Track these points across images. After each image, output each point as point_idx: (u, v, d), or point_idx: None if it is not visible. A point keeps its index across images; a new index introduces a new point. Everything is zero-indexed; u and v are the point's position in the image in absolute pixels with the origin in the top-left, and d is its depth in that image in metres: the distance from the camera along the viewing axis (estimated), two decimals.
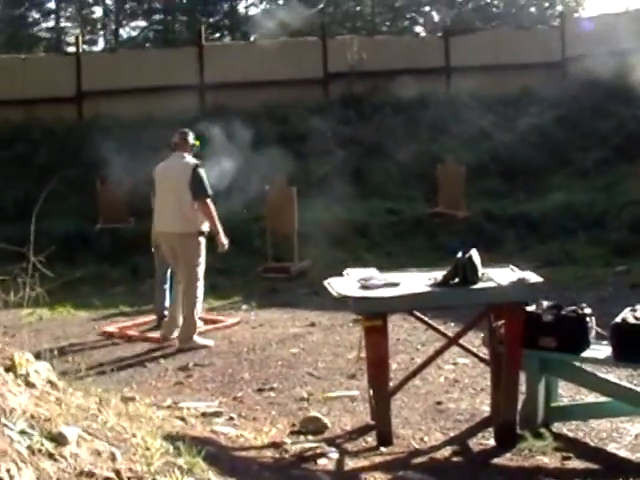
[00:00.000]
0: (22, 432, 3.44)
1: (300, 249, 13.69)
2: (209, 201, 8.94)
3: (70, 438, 3.55)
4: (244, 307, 11.17)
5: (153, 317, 10.31)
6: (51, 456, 3.39)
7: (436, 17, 32.51)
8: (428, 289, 5.57)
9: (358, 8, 36.04)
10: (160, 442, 4.33)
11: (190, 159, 9.13)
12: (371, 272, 6.12)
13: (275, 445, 5.47)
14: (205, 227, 8.97)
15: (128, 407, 5.41)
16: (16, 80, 18.70)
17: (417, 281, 5.75)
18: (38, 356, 5.30)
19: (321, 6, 35.41)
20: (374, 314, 5.53)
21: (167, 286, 10.05)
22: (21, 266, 5.79)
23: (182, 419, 5.81)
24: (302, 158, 16.69)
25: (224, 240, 9.09)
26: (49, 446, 3.43)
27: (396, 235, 14.95)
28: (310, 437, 5.81)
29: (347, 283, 5.86)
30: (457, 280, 5.55)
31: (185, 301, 9.04)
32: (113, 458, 3.66)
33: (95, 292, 12.77)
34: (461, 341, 6.31)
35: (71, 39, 33.50)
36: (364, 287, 5.68)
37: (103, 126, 16.68)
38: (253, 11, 39.09)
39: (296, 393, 7.07)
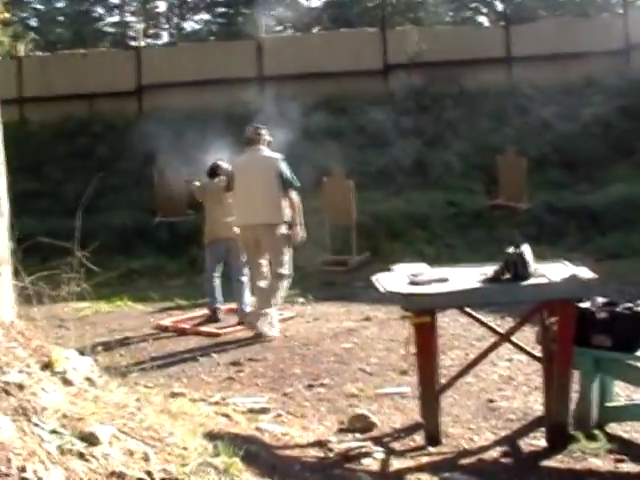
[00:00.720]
0: (53, 431, 3.39)
1: (358, 242, 13.62)
2: (296, 192, 9.17)
3: (102, 437, 3.50)
4: (301, 300, 11.08)
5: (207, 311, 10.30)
6: (81, 456, 3.34)
7: (500, 6, 32.00)
8: (478, 285, 5.41)
9: None
10: (199, 441, 4.27)
11: (273, 153, 9.30)
12: (420, 267, 5.98)
13: (320, 443, 5.38)
14: (287, 217, 9.16)
15: (172, 403, 5.37)
16: (78, 75, 18.94)
17: (467, 277, 5.59)
18: (84, 351, 5.30)
19: None
20: (422, 310, 5.40)
21: (218, 280, 10.06)
22: (67, 261, 5.76)
23: (226, 416, 5.75)
24: (362, 150, 16.62)
25: (303, 232, 9.26)
26: (80, 446, 3.38)
27: (456, 227, 14.76)
28: (357, 435, 5.70)
29: (395, 279, 5.73)
30: (508, 276, 5.39)
31: (270, 286, 9.15)
32: (146, 458, 3.60)
33: (152, 285, 12.87)
34: (518, 337, 6.16)
35: (134, 33, 33.83)
36: (413, 283, 5.53)
37: (162, 119, 16.69)
38: (315, 3, 39.13)
39: (347, 389, 6.96)
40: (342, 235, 13.83)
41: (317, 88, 18.23)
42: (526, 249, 5.42)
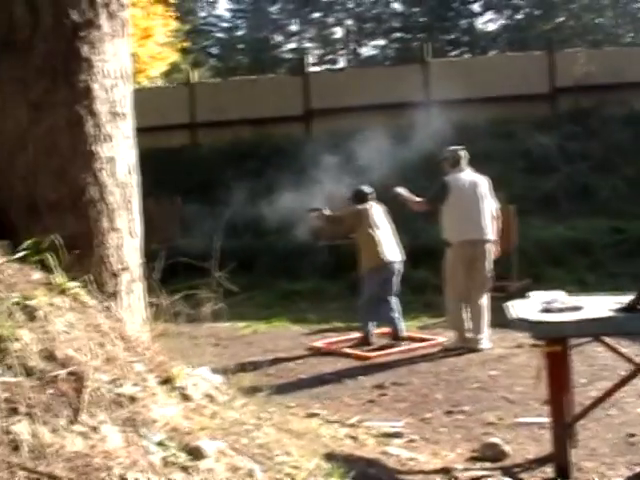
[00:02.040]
0: (159, 443, 3.50)
1: (519, 268, 13.40)
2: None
3: (208, 452, 3.59)
4: None
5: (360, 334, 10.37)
6: (184, 469, 3.43)
7: None
8: (611, 314, 5.25)
9: (600, 20, 34.97)
10: (316, 461, 4.30)
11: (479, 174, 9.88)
12: (556, 295, 5.87)
13: (445, 470, 5.31)
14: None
15: (301, 423, 5.44)
16: (248, 100, 19.53)
17: (602, 306, 5.45)
18: (218, 369, 5.44)
19: (561, 19, 34.65)
20: (552, 339, 5.29)
21: (372, 304, 10.10)
22: (205, 281, 5.94)
23: (355, 438, 5.78)
24: (527, 174, 16.39)
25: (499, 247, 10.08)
26: (184, 459, 3.48)
27: (621, 255, 14.31)
28: (487, 464, 5.61)
29: (529, 306, 5.65)
30: None
31: (479, 306, 9.77)
32: (251, 475, 3.66)
33: (312, 307, 13.08)
34: None
35: (312, 59, 34.54)
36: (545, 310, 5.44)
37: (330, 143, 16.95)
38: (491, 27, 38.85)
39: (485, 417, 6.86)
40: (502, 261, 13.63)
41: (483, 111, 18.07)
42: None
